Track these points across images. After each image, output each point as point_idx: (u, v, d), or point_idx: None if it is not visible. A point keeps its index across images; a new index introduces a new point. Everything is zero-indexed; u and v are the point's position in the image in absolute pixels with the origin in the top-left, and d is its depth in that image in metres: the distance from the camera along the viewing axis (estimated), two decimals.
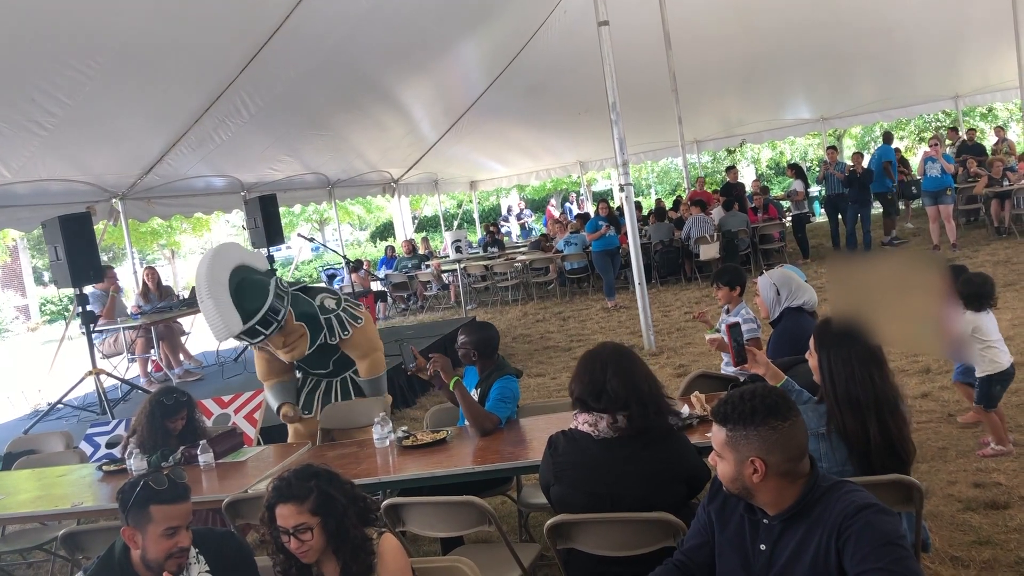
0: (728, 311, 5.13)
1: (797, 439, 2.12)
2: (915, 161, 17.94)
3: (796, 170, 14.98)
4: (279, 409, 5.01)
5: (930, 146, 12.14)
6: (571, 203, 29.07)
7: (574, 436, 2.97)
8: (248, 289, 4.57)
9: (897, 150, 17.03)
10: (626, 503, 2.79)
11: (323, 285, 5.15)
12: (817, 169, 15.51)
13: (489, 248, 17.33)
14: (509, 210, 30.56)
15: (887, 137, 15.47)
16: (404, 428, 4.30)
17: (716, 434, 2.16)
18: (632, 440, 2.86)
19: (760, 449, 2.08)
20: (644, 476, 2.82)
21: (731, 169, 16.36)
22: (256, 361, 5.19)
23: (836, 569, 1.98)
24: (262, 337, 4.59)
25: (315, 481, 2.50)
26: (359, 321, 4.98)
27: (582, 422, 2.94)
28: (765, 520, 2.15)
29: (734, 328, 3.27)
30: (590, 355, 3.05)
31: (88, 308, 8.10)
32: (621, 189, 9.15)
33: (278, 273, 10.98)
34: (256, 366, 5.21)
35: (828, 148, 14.24)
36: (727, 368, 4.98)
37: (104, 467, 4.48)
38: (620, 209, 13.51)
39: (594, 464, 2.89)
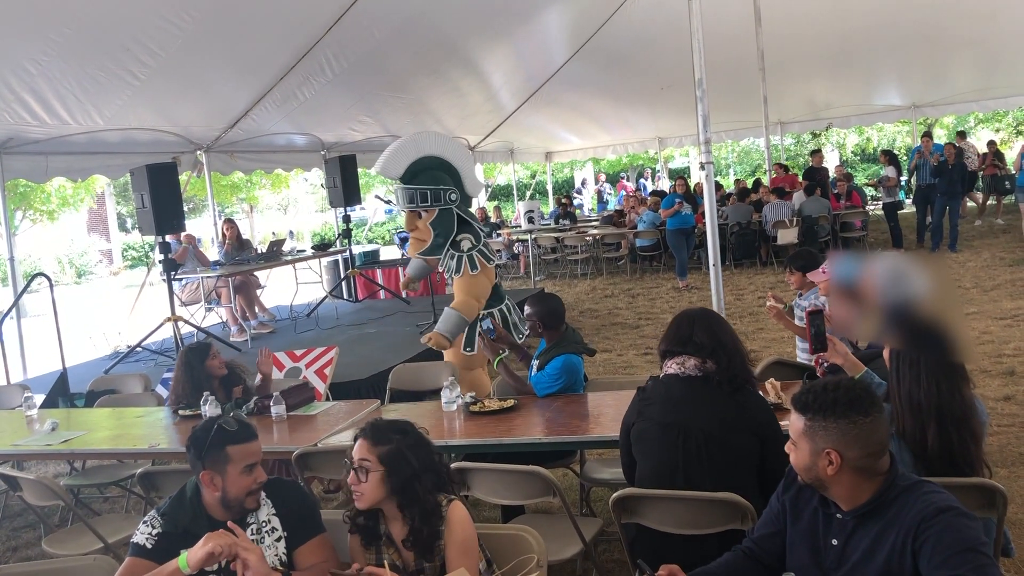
0: (801, 295, 5.01)
1: (877, 435, 2.05)
2: (1011, 155, 17.20)
3: (889, 156, 14.48)
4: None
5: None
6: (646, 179, 28.72)
7: (662, 380, 3.06)
8: (426, 173, 5.40)
9: (992, 143, 16.36)
10: (694, 437, 2.85)
11: (479, 225, 5.71)
12: (907, 158, 14.97)
13: (561, 220, 17.24)
14: (583, 183, 30.33)
15: (929, 132, 14.88)
16: (472, 394, 4.33)
17: (794, 422, 2.11)
18: (714, 383, 2.93)
19: (837, 442, 2.02)
20: (717, 416, 2.88)
21: (816, 153, 15.91)
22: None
23: (911, 571, 1.91)
24: (396, 203, 5.53)
25: (399, 436, 2.57)
26: (475, 269, 5.44)
27: (670, 365, 3.01)
28: (839, 515, 2.09)
29: (815, 314, 3.18)
30: (678, 316, 3.14)
31: (169, 256, 8.32)
32: (702, 167, 8.94)
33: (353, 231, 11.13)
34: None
35: (923, 136, 13.71)
36: (802, 354, 4.87)
37: (180, 411, 4.61)
38: (698, 187, 13.31)
39: (676, 398, 2.96)
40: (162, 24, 7.54)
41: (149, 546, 2.55)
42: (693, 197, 12.87)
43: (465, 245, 5.46)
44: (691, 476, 2.82)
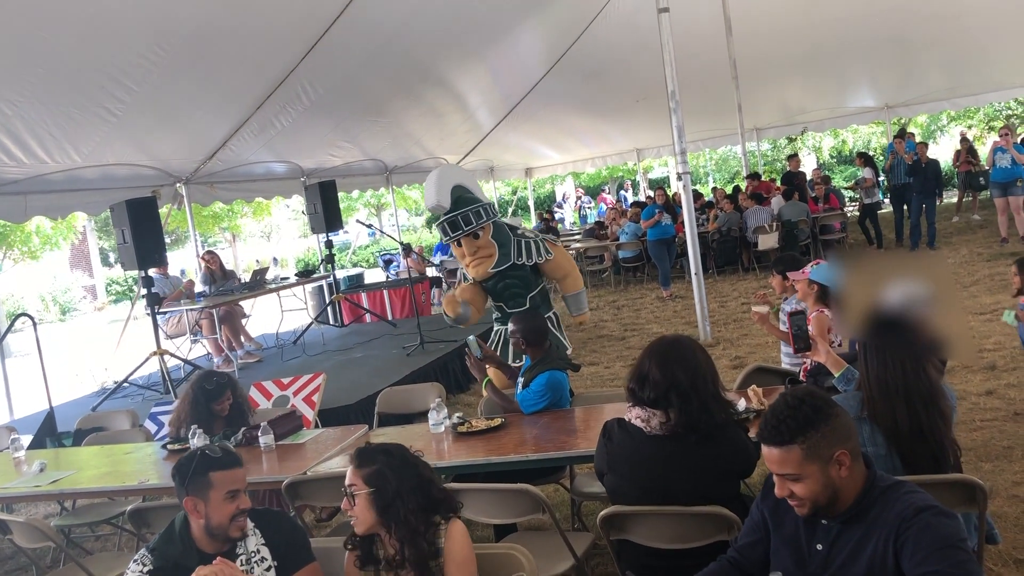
0: (785, 299, 5.07)
1: (849, 418, 2.15)
2: (984, 151, 17.41)
3: (865, 158, 14.63)
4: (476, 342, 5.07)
5: (1000, 136, 11.75)
6: (626, 191, 28.85)
7: (628, 429, 2.97)
8: (463, 200, 5.65)
9: (965, 139, 16.56)
10: (679, 498, 2.78)
11: (520, 224, 6.29)
12: (882, 158, 15.12)
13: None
14: (564, 197, 30.46)
15: (902, 132, 15.06)
16: (459, 414, 4.35)
17: (786, 458, 2.05)
18: (682, 437, 2.83)
19: (839, 442, 2.06)
20: (696, 473, 2.82)
21: (793, 157, 16.05)
22: (462, 286, 6.13)
23: (893, 571, 1.95)
24: (459, 232, 5.57)
25: (383, 457, 2.61)
26: (550, 254, 5.80)
27: (635, 416, 2.93)
28: (824, 520, 2.12)
29: (796, 316, 3.25)
30: (648, 346, 3.05)
31: (153, 290, 8.31)
32: (679, 178, 9.06)
33: (336, 257, 11.16)
34: (460, 288, 6.14)
35: (896, 136, 13.84)
36: (787, 359, 4.92)
37: (168, 446, 4.61)
38: (676, 197, 13.39)
39: (646, 460, 2.89)
40: (135, 59, 7.57)
41: None
42: (673, 207, 12.95)
43: (529, 234, 5.89)
44: (675, 500, 2.83)
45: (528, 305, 5.70)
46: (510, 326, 4.59)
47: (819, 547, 2.11)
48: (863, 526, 2.04)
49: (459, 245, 5.70)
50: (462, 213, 5.58)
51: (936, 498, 2.22)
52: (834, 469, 2.04)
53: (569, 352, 5.81)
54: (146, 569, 2.58)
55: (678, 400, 2.82)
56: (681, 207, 14.76)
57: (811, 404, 2.07)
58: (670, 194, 14.40)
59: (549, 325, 5.64)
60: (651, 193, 23.89)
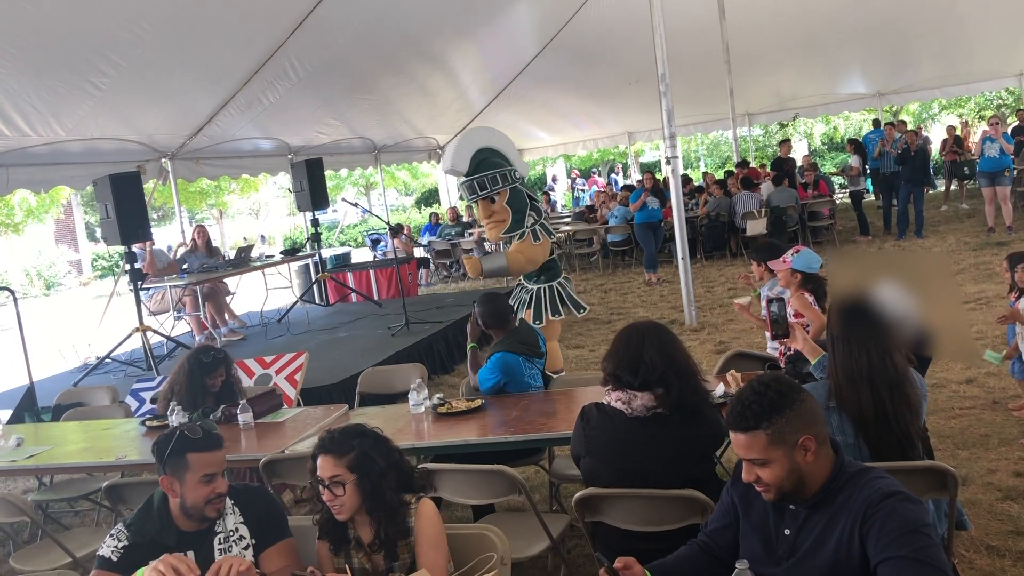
0: (763, 286, 5.07)
1: (816, 403, 2.16)
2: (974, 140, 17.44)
3: (855, 145, 14.63)
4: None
5: (990, 125, 11.76)
6: (617, 174, 28.83)
7: (607, 412, 2.96)
8: (486, 163, 5.81)
9: (952, 128, 16.58)
10: (655, 479, 2.79)
11: (536, 201, 6.43)
12: (867, 145, 15.12)
13: None
14: (554, 179, 30.42)
15: (876, 123, 15.08)
16: (439, 396, 4.34)
17: (751, 443, 2.06)
18: (665, 418, 2.86)
19: (804, 427, 2.06)
20: (674, 454, 2.83)
21: (784, 143, 16.01)
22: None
23: (859, 556, 1.96)
24: (474, 195, 5.82)
25: (359, 440, 2.59)
26: (537, 240, 6.03)
27: (615, 399, 2.93)
28: (791, 506, 2.13)
29: (773, 302, 3.26)
30: (625, 331, 3.04)
31: (136, 266, 8.26)
32: (668, 162, 9.04)
33: (323, 234, 11.11)
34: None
35: (886, 124, 13.82)
36: (772, 346, 4.93)
37: (147, 422, 4.59)
38: (666, 182, 13.38)
39: (625, 441, 2.89)
40: (121, 33, 7.49)
41: (115, 559, 2.55)
42: (661, 191, 12.93)
43: (529, 221, 6.03)
44: (652, 482, 2.84)
45: (536, 275, 6.05)
46: (475, 307, 4.66)
47: (787, 532, 2.12)
48: (830, 511, 2.05)
49: (479, 206, 6.01)
50: (478, 178, 5.79)
51: (908, 485, 2.23)
52: (800, 454, 2.04)
53: (584, 312, 6.24)
54: (121, 544, 2.57)
55: (676, 381, 2.85)
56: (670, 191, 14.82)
57: (776, 390, 2.07)
58: (660, 177, 14.37)
59: (559, 290, 6.10)
60: (640, 177, 23.92)
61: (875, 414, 2.58)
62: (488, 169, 5.89)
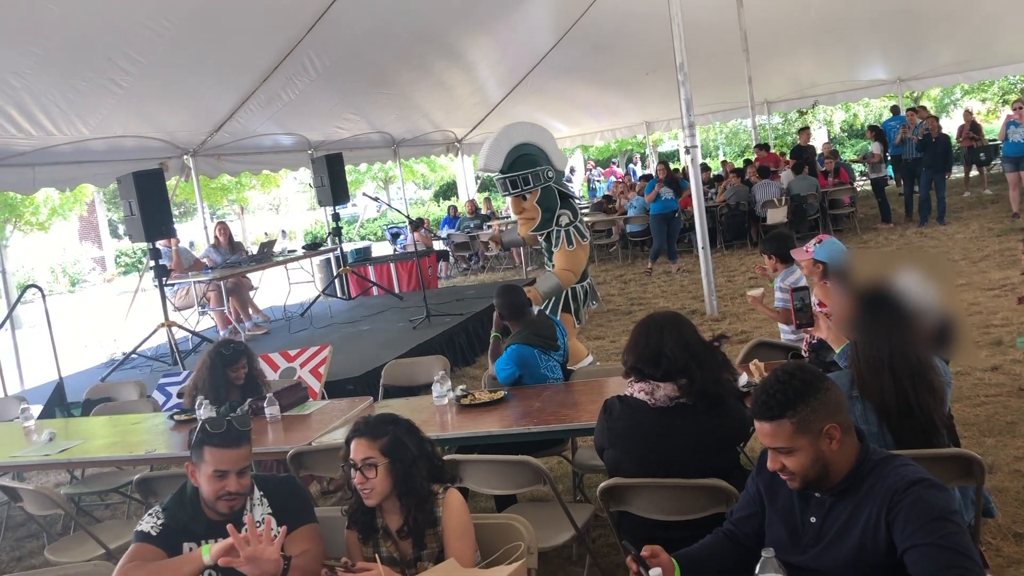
0: (777, 277, 5.04)
1: (841, 392, 2.16)
2: (997, 125, 17.24)
3: (876, 132, 14.49)
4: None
5: (1014, 110, 11.62)
6: (635, 164, 28.74)
7: (630, 403, 2.98)
8: (523, 160, 5.88)
9: (968, 113, 16.41)
10: (679, 469, 2.80)
11: (572, 199, 6.47)
12: (887, 131, 14.98)
13: None
14: (572, 170, 30.37)
15: (895, 110, 14.91)
16: (463, 387, 4.38)
17: (777, 431, 2.07)
18: (688, 408, 2.86)
19: (829, 415, 2.07)
20: (698, 444, 2.83)
21: (803, 131, 15.89)
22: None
23: (885, 543, 1.97)
24: (507, 192, 5.98)
25: (393, 427, 2.64)
26: (571, 246, 6.09)
27: (638, 390, 2.94)
28: (817, 494, 2.14)
29: (800, 291, 3.26)
30: (644, 323, 3.05)
31: (161, 262, 8.35)
32: (687, 151, 9.02)
33: (343, 229, 11.17)
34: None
35: (908, 110, 13.66)
36: (785, 336, 4.93)
37: (175, 416, 4.66)
38: (684, 171, 13.33)
39: (649, 432, 2.90)
40: (141, 31, 7.55)
41: (154, 533, 2.62)
42: (676, 181, 12.87)
43: (563, 220, 6.11)
44: (676, 471, 2.85)
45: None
46: (497, 299, 4.72)
47: (812, 520, 2.13)
48: (855, 499, 2.06)
49: (512, 201, 6.09)
50: (510, 177, 5.90)
51: (934, 472, 2.23)
52: (824, 442, 2.05)
53: (592, 308, 6.36)
54: (159, 522, 2.65)
55: (698, 371, 2.86)
56: (686, 181, 14.75)
57: (801, 378, 2.08)
58: (679, 167, 14.32)
59: (580, 292, 6.19)
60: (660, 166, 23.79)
61: (897, 402, 2.57)
62: (524, 166, 5.97)
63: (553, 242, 6.09)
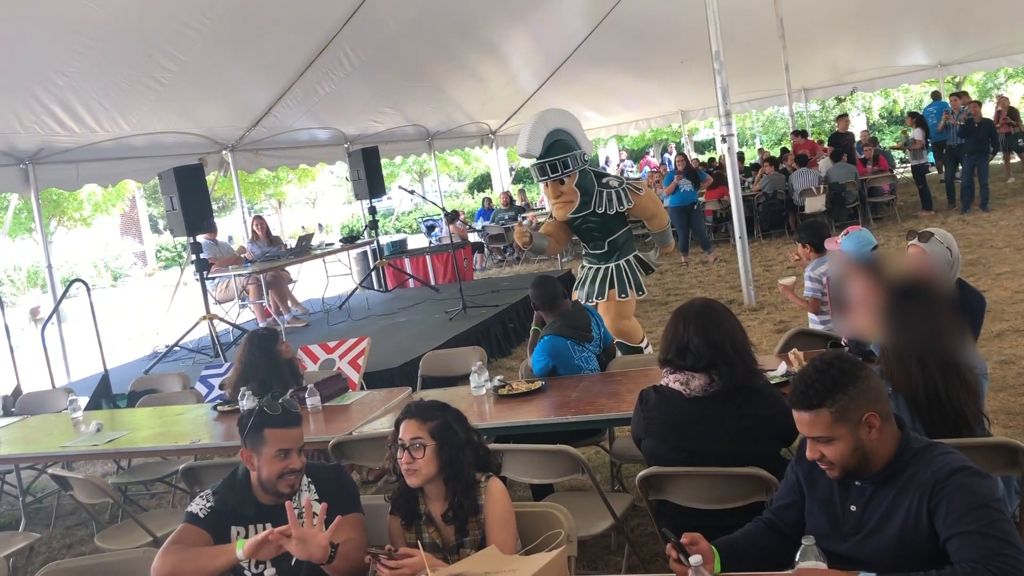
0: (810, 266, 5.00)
1: (878, 380, 2.15)
2: None
3: (916, 118, 14.24)
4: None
5: None
6: (670, 153, 28.52)
7: (665, 393, 2.98)
8: (558, 145, 5.98)
9: (1005, 99, 16.05)
10: (716, 458, 2.80)
11: (606, 174, 6.53)
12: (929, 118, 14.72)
13: None
14: (607, 161, 30.26)
15: (936, 95, 14.60)
16: (500, 377, 4.41)
17: (815, 421, 2.07)
18: (723, 398, 2.85)
19: (868, 404, 2.06)
20: (734, 434, 2.82)
21: (842, 118, 15.66)
22: (548, 222, 6.51)
23: (927, 531, 1.96)
24: (546, 177, 5.97)
25: (443, 412, 2.69)
26: (640, 191, 6.15)
27: (673, 380, 2.94)
28: (857, 482, 2.13)
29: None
30: (675, 314, 3.03)
31: (202, 256, 8.48)
32: (723, 140, 8.95)
33: (379, 223, 11.25)
34: (546, 223, 6.55)
35: (951, 95, 13.39)
36: (815, 326, 4.89)
37: (219, 407, 4.74)
38: (708, 162, 13.23)
39: (684, 422, 2.90)
40: (181, 28, 7.67)
41: (202, 516, 2.70)
42: (695, 172, 12.76)
43: (613, 183, 6.16)
44: (713, 461, 2.86)
45: (606, 248, 6.15)
46: (531, 291, 4.75)
47: (853, 508, 2.12)
48: (896, 487, 2.05)
49: (548, 185, 6.10)
50: (550, 161, 5.95)
51: (976, 461, 2.21)
52: (864, 431, 2.04)
53: (626, 297, 6.13)
54: (208, 505, 2.73)
55: (724, 364, 2.83)
56: (704, 172, 14.68)
57: (839, 367, 2.07)
58: (715, 157, 14.19)
59: (625, 270, 6.18)
60: (696, 156, 23.64)
61: (926, 393, 2.51)
62: (559, 151, 6.03)
63: (607, 207, 6.07)
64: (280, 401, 2.79)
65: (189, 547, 2.61)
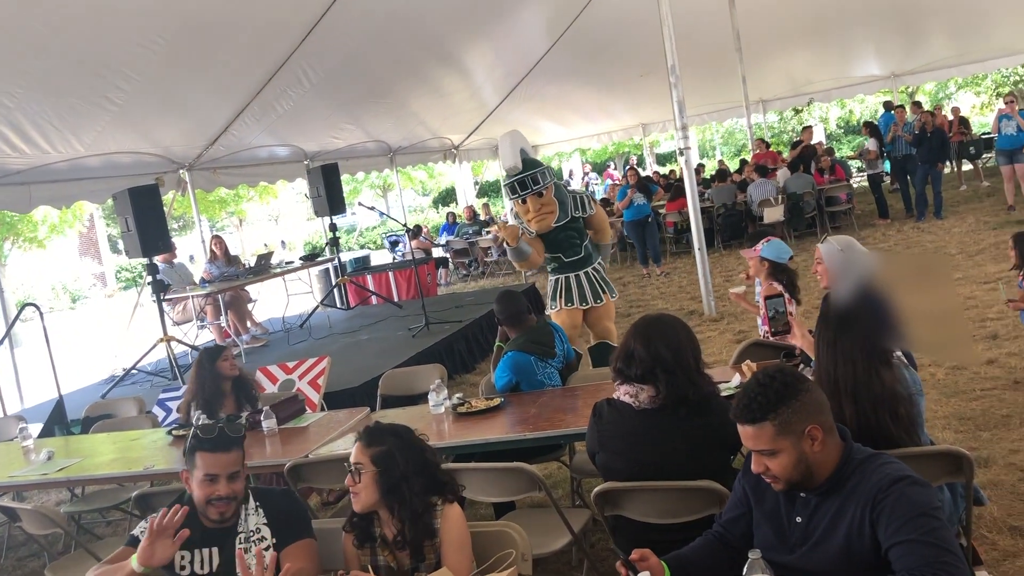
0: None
1: (821, 393, 2.17)
2: (991, 118, 17.25)
3: (871, 128, 14.51)
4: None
5: (1006, 103, 11.64)
6: (630, 166, 28.73)
7: (617, 406, 2.99)
8: (527, 161, 6.13)
9: (956, 109, 16.43)
10: (669, 471, 2.80)
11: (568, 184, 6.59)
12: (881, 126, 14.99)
13: None
14: (571, 174, 30.40)
15: (888, 105, 14.94)
16: (459, 395, 4.39)
17: (759, 434, 2.08)
18: (670, 410, 2.86)
19: (810, 416, 2.08)
20: (684, 445, 2.84)
21: (807, 129, 15.89)
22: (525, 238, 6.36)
23: (870, 541, 1.98)
24: (528, 190, 6.01)
25: (391, 439, 2.65)
26: (592, 210, 6.37)
27: (623, 392, 2.95)
28: (802, 494, 2.15)
29: (773, 299, 3.25)
30: (631, 327, 3.05)
31: (158, 277, 8.37)
32: (681, 153, 9.04)
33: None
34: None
35: (896, 107, 13.67)
36: (763, 330, 4.95)
37: (174, 431, 4.67)
38: (669, 174, 13.35)
39: (636, 434, 2.91)
40: (135, 48, 7.59)
41: (141, 538, 2.65)
42: (647, 186, 12.89)
43: (576, 190, 6.57)
44: (667, 473, 2.86)
45: (583, 254, 6.25)
46: (495, 306, 4.73)
47: (798, 520, 2.14)
48: (840, 498, 2.07)
49: (523, 202, 6.14)
50: (531, 174, 6.06)
51: (923, 469, 2.24)
52: (807, 443, 2.06)
53: (615, 298, 6.42)
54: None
55: (664, 375, 2.84)
56: (656, 185, 14.84)
57: (781, 380, 2.09)
58: (676, 169, 14.32)
59: (601, 272, 6.39)
60: (657, 168, 23.84)
61: (858, 428, 2.46)
62: (531, 166, 6.16)
63: (584, 208, 6.29)
64: (221, 425, 2.75)
65: (105, 565, 2.62)
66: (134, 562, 2.50)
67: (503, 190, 6.54)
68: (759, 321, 5.04)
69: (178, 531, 2.61)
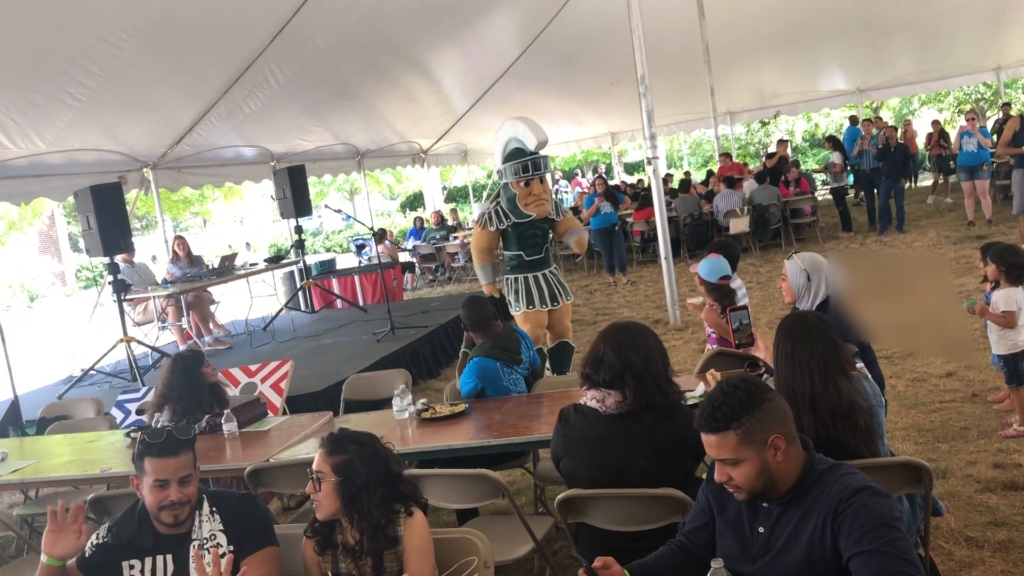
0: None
1: (784, 403, 2.18)
2: (954, 135, 17.59)
3: (834, 142, 14.73)
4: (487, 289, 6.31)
5: (967, 120, 11.88)
6: (601, 175, 28.86)
7: (584, 411, 3.00)
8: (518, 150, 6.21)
9: (936, 122, 16.73)
10: (634, 477, 2.81)
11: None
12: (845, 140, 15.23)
13: None
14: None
15: (853, 120, 15.24)
16: (423, 401, 4.36)
17: (722, 443, 2.09)
18: (637, 416, 2.87)
19: (774, 426, 2.08)
20: (649, 451, 2.84)
21: (782, 143, 16.06)
22: (479, 240, 6.50)
23: (832, 551, 2.00)
24: (540, 171, 6.26)
25: (354, 447, 2.61)
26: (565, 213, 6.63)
27: (590, 398, 2.96)
28: (764, 504, 2.16)
29: (737, 311, 3.27)
30: (600, 333, 3.07)
31: (119, 277, 8.23)
32: (648, 163, 9.10)
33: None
34: (477, 246, 6.54)
35: (863, 121, 13.90)
36: (711, 345, 4.98)
37: (132, 434, 4.58)
38: (637, 183, 13.43)
39: (602, 439, 2.91)
40: (100, 44, 7.46)
41: (87, 554, 2.62)
42: (614, 195, 12.98)
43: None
44: (632, 479, 2.86)
45: (543, 255, 6.37)
46: (462, 311, 4.71)
47: (761, 529, 2.15)
48: (802, 508, 2.08)
49: (526, 185, 6.22)
50: (544, 158, 6.24)
51: (883, 480, 2.26)
52: (770, 453, 2.07)
53: (570, 300, 6.52)
54: (96, 543, 2.63)
55: (633, 380, 2.85)
56: (623, 194, 14.94)
57: (745, 390, 2.09)
58: (644, 178, 14.42)
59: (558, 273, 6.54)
60: (625, 178, 23.98)
61: (818, 439, 2.49)
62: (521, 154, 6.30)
63: (557, 214, 6.48)
64: (170, 428, 2.70)
65: None
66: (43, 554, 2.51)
67: (504, 170, 6.40)
68: (707, 330, 5.08)
69: (140, 544, 2.61)
